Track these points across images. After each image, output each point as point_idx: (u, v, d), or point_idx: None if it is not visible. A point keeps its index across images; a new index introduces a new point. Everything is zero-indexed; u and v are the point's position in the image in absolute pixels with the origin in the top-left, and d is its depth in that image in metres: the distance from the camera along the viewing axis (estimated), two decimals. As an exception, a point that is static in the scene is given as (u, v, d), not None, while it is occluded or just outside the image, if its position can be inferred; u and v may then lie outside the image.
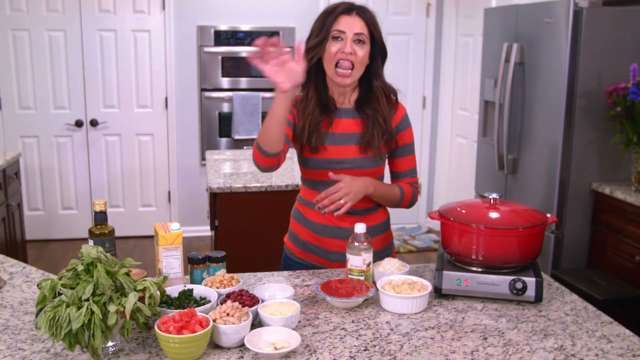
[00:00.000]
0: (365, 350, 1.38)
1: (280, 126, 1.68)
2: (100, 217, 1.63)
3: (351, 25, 1.82)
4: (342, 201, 1.77)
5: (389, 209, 2.05)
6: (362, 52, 1.82)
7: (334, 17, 1.83)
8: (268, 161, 1.76)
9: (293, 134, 1.91)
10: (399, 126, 1.94)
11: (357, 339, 1.43)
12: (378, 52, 1.88)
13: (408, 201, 1.98)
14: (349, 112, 1.92)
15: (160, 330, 1.30)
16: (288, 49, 1.58)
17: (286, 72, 1.58)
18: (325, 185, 1.89)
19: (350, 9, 1.84)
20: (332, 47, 1.82)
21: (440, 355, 1.36)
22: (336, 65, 1.82)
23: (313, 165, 1.91)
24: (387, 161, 1.99)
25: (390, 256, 1.96)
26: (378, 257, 1.84)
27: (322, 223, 1.94)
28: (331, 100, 1.92)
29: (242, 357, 1.34)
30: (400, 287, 1.59)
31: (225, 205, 3.14)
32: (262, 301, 1.50)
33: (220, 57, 5.08)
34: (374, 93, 1.90)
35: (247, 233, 3.18)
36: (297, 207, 2.04)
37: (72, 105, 4.99)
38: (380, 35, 1.87)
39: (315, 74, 1.90)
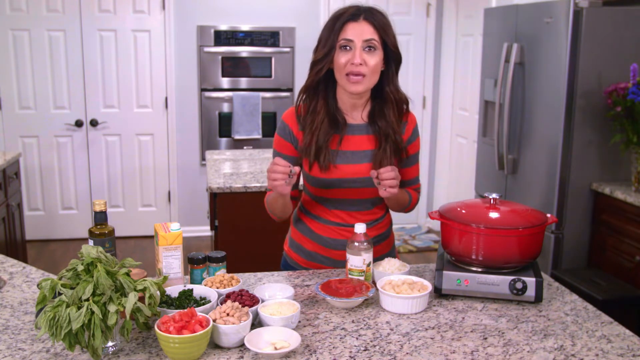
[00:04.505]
0: (365, 350, 1.38)
1: (287, 204, 1.84)
2: (100, 217, 1.63)
3: (359, 33, 1.70)
4: (395, 182, 1.70)
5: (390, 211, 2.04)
6: (373, 61, 1.72)
7: (340, 24, 1.71)
8: (283, 220, 1.95)
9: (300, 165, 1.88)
10: (410, 138, 1.88)
11: (357, 339, 1.43)
12: (391, 57, 1.78)
13: (413, 205, 1.98)
14: (361, 128, 1.83)
15: (160, 330, 1.30)
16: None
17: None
18: (335, 203, 1.86)
19: (357, 15, 1.72)
20: (341, 58, 1.72)
21: (440, 355, 1.36)
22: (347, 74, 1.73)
23: (323, 185, 1.82)
24: None
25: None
26: (381, 260, 1.83)
27: (332, 237, 1.88)
28: (341, 114, 1.81)
29: (242, 357, 1.34)
30: (400, 287, 1.59)
31: (225, 205, 3.14)
32: (262, 301, 1.50)
33: (220, 57, 5.08)
34: (386, 101, 1.81)
35: (247, 233, 3.17)
36: (303, 219, 1.94)
37: (72, 105, 4.99)
38: (392, 40, 1.75)
39: (325, 85, 1.81)
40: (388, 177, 1.69)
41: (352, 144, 1.82)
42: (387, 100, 1.81)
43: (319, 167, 1.79)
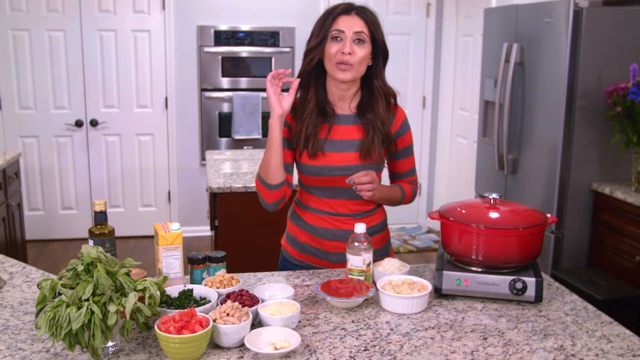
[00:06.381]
0: (365, 350, 1.38)
1: (278, 153, 1.79)
2: (100, 217, 1.64)
3: (350, 25, 1.80)
4: (370, 186, 1.78)
5: (387, 209, 2.05)
6: (362, 52, 1.80)
7: (333, 17, 1.82)
8: (273, 195, 1.84)
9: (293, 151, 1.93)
10: (399, 130, 1.94)
11: (357, 339, 1.43)
12: (379, 52, 1.86)
13: (408, 199, 2.03)
14: (349, 118, 1.90)
15: (160, 330, 1.30)
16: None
17: (281, 97, 1.75)
18: (325, 191, 1.90)
19: (349, 9, 1.82)
20: (332, 48, 1.81)
21: (440, 355, 1.36)
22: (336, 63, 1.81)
23: (312, 172, 1.89)
24: (386, 163, 2.00)
25: (388, 255, 1.97)
26: (376, 256, 1.84)
27: (323, 226, 1.93)
28: (330, 105, 1.90)
29: (242, 357, 1.34)
30: (400, 287, 1.59)
31: (225, 205, 3.14)
32: (262, 301, 1.50)
33: (220, 57, 5.08)
34: (374, 95, 1.88)
35: (247, 233, 3.18)
36: (296, 210, 2.01)
37: (72, 105, 4.99)
38: (381, 36, 1.85)
39: (316, 76, 1.89)
40: (364, 182, 1.78)
41: (341, 133, 1.89)
42: (376, 93, 1.89)
43: (307, 155, 1.87)
